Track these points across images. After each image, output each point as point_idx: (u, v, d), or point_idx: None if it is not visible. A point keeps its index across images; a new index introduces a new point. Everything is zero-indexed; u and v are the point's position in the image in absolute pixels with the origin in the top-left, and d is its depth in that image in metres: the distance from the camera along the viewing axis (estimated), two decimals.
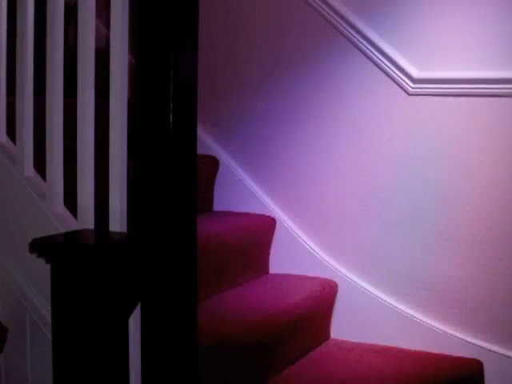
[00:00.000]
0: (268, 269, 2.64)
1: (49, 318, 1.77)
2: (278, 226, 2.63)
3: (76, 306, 1.63)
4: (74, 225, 1.80)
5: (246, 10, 2.69)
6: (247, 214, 2.65)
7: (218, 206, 2.75)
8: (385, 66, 2.40)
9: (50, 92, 1.82)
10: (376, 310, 2.44)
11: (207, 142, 2.75)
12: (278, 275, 2.60)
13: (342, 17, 2.45)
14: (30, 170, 1.90)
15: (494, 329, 2.28)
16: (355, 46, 2.44)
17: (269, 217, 2.64)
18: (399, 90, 2.39)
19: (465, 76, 2.28)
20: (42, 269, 1.76)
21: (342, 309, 2.49)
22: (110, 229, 1.70)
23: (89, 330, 1.62)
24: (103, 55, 1.77)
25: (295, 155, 2.59)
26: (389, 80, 2.40)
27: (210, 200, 2.74)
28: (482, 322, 2.30)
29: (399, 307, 2.41)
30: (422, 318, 2.38)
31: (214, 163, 2.74)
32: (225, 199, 2.73)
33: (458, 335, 2.33)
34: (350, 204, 2.50)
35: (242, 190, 2.69)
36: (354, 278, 2.49)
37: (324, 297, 2.43)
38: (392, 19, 2.39)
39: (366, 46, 2.42)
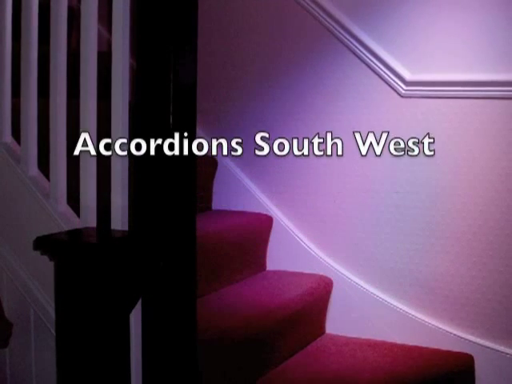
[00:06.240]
0: (265, 266, 2.66)
1: (52, 313, 1.78)
2: (274, 224, 2.64)
3: (79, 301, 1.63)
4: (76, 223, 1.81)
5: (244, 14, 2.68)
6: (245, 213, 2.66)
7: (216, 204, 2.75)
8: (378, 69, 2.41)
9: (54, 94, 1.82)
10: (370, 305, 2.46)
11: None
12: (274, 272, 2.61)
13: (336, 21, 2.46)
14: (34, 169, 1.90)
15: (484, 324, 2.30)
16: (350, 49, 2.45)
17: (266, 215, 2.64)
18: (392, 92, 2.40)
19: (456, 79, 2.30)
20: (45, 266, 1.76)
21: (337, 305, 2.50)
22: (112, 227, 1.71)
23: (91, 325, 1.63)
24: (105, 58, 1.78)
25: (292, 155, 2.61)
26: (382, 82, 2.41)
27: (208, 199, 2.74)
28: (473, 318, 2.31)
29: (392, 303, 2.43)
30: (414, 314, 2.40)
31: (212, 163, 2.74)
32: (223, 198, 2.73)
33: (450, 330, 2.34)
34: (344, 203, 2.51)
35: (240, 190, 2.70)
36: (348, 274, 2.51)
37: (319, 293, 2.45)
38: (386, 23, 2.40)
39: (360, 50, 2.43)
